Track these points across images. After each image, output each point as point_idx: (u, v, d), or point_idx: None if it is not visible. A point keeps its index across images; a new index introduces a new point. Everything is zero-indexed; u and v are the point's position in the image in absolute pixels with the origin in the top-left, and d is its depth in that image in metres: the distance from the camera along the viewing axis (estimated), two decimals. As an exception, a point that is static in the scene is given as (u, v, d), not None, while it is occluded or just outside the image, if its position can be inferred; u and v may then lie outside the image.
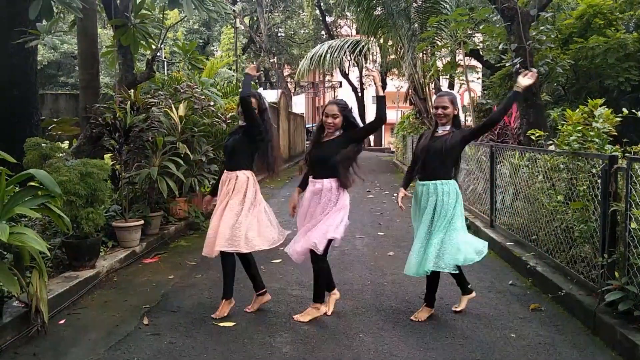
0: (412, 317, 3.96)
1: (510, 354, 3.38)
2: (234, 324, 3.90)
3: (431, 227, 3.82)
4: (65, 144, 7.36)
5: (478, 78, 16.04)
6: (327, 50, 17.45)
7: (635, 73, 7.21)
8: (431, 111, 4.09)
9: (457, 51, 12.39)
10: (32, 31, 6.11)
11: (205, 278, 5.09)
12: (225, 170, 4.18)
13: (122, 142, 6.13)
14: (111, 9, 7.00)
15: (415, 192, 3.98)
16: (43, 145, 5.60)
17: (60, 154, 5.67)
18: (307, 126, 29.89)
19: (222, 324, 3.89)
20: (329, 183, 3.81)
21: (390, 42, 16.95)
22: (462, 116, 12.50)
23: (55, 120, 7.81)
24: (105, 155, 7.01)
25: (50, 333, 3.68)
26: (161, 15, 7.58)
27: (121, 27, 6.81)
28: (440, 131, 3.92)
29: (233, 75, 16.17)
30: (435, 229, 3.80)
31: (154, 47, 7.38)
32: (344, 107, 3.85)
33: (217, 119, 8.21)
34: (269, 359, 3.34)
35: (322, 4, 30.56)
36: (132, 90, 6.89)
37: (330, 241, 3.81)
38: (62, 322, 3.94)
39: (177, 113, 7.28)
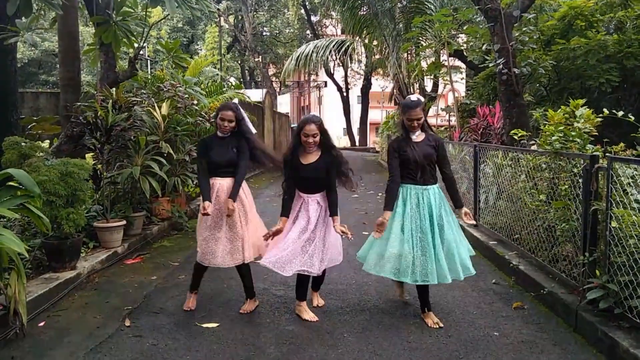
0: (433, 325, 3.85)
1: (493, 352, 3.40)
2: (217, 324, 3.87)
3: (440, 233, 3.81)
4: (46, 143, 7.23)
5: (462, 78, 16.15)
6: (312, 50, 17.44)
7: (615, 74, 7.31)
8: (405, 122, 4.01)
9: (441, 51, 12.46)
10: (12, 28, 6.00)
11: (188, 279, 5.00)
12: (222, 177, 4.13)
13: (104, 141, 6.05)
14: (92, 6, 6.89)
15: (411, 197, 3.86)
16: (22, 144, 5.49)
17: (40, 153, 5.57)
18: (292, 125, 29.83)
19: (205, 325, 3.85)
20: (322, 196, 3.96)
21: (375, 42, 16.99)
22: (446, 116, 12.57)
23: (35, 118, 7.67)
24: (86, 155, 6.90)
25: (29, 335, 3.62)
26: (144, 13, 7.49)
27: (103, 24, 6.72)
28: (415, 137, 3.89)
29: (217, 74, 16.06)
30: (444, 235, 3.81)
31: (136, 45, 7.29)
32: (320, 124, 3.91)
33: (200, 118, 8.14)
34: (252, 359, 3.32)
35: (307, 4, 30.53)
36: (114, 89, 6.79)
37: None
38: (41, 324, 3.87)
39: (160, 112, 7.20)
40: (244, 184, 4.21)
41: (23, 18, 6.09)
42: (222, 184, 4.08)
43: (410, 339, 3.62)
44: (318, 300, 4.34)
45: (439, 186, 3.95)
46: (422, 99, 3.98)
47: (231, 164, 4.09)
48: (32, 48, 26.70)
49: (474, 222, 4.06)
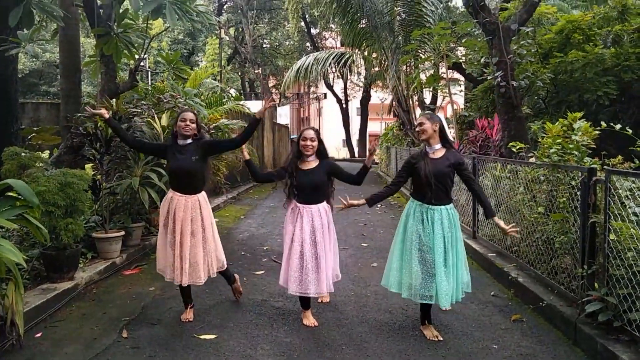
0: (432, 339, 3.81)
1: (492, 366, 3.38)
2: (215, 336, 3.85)
3: (445, 254, 3.71)
4: (46, 154, 7.24)
5: (460, 91, 16.27)
6: (312, 62, 17.55)
7: (613, 87, 7.36)
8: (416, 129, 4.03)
9: (440, 64, 12.55)
10: (13, 39, 6.04)
11: (186, 290, 5.02)
12: (181, 193, 4.10)
13: (104, 152, 6.06)
14: (94, 17, 6.94)
15: (415, 213, 3.80)
16: (22, 154, 5.50)
17: (40, 164, 5.58)
18: (291, 137, 29.89)
19: (203, 337, 3.83)
20: (320, 208, 4.07)
21: (374, 55, 17.11)
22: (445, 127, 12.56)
23: (35, 129, 7.69)
24: (86, 165, 6.91)
25: (26, 347, 3.60)
26: (145, 25, 7.54)
27: (104, 36, 6.77)
28: (432, 152, 3.79)
29: (218, 86, 16.08)
30: (451, 256, 3.73)
31: (137, 56, 7.34)
32: (318, 133, 4.15)
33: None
34: (250, 372, 3.31)
35: (307, 16, 30.75)
36: (115, 100, 6.82)
37: None
38: (38, 335, 3.85)
39: (160, 123, 7.21)
40: (204, 197, 4.21)
41: (25, 29, 6.14)
42: (179, 200, 4.07)
43: (409, 351, 3.60)
44: (322, 296, 4.53)
45: (452, 207, 3.82)
46: (437, 116, 3.97)
47: (190, 173, 4.07)
48: (33, 59, 26.85)
49: (515, 231, 3.92)
